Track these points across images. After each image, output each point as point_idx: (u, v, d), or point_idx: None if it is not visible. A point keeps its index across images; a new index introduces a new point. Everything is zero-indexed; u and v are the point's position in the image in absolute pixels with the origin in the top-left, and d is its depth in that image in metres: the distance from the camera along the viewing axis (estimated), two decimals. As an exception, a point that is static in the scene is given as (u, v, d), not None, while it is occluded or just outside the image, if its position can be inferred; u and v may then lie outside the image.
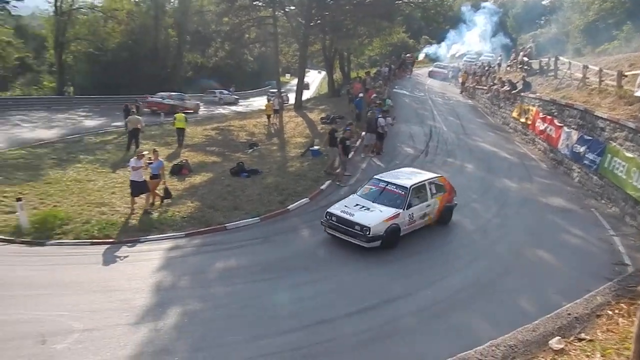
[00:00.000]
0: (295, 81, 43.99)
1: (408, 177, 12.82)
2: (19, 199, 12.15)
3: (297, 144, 22.13)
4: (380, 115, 19.92)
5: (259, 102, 45.49)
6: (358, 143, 20.75)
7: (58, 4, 42.67)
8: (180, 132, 22.66)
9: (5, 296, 8.44)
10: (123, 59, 45.74)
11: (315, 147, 19.91)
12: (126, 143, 21.34)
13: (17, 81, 47.08)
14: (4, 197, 13.97)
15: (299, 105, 32.95)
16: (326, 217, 11.56)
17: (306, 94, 45.17)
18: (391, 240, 11.19)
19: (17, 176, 16.32)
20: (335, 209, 11.65)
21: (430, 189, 12.47)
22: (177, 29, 51.52)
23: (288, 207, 14.11)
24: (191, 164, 18.47)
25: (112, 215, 13.12)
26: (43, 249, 11.27)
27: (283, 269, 10.30)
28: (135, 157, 13.59)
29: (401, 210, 11.42)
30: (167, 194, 14.26)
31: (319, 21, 31.24)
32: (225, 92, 47.95)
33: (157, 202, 14.08)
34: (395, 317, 8.55)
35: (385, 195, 11.97)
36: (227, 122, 30.21)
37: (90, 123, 29.31)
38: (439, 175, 13.69)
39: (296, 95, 34.07)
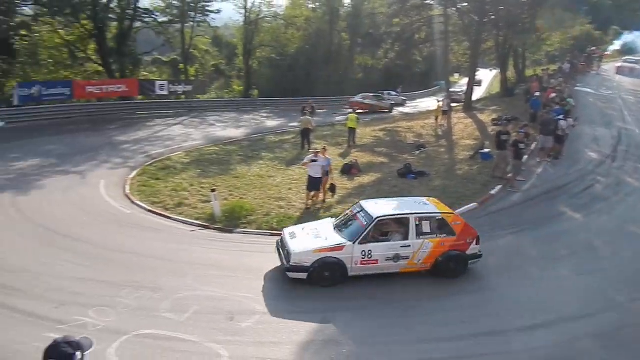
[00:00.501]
0: (464, 81, 42.69)
1: (393, 206, 10.41)
2: (213, 190, 13.78)
3: (465, 147, 21.54)
4: (560, 117, 18.46)
5: (427, 103, 45.05)
6: (533, 146, 19.47)
7: (247, 14, 46.96)
8: (352, 132, 23.58)
9: (201, 275, 9.61)
10: (300, 64, 48.83)
11: (486, 150, 19.15)
12: (300, 142, 22.82)
13: (213, 85, 53.02)
14: (202, 187, 16.03)
15: (469, 106, 31.89)
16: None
17: (477, 92, 43.58)
18: (324, 276, 9.19)
19: (211, 170, 18.57)
20: (288, 228, 10.54)
21: (418, 227, 9.64)
22: (350, 33, 53.31)
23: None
24: (360, 164, 19.05)
25: (289, 209, 14.16)
26: (231, 236, 12.58)
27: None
28: (313, 154, 14.43)
29: (349, 243, 9.29)
30: (332, 190, 14.90)
31: (492, 17, 29.89)
32: (393, 93, 48.31)
33: (329, 199, 14.81)
34: (572, 338, 7.82)
35: (352, 224, 9.99)
36: (394, 124, 30.48)
37: (271, 123, 31.90)
38: (449, 212, 10.40)
39: (466, 95, 33.03)
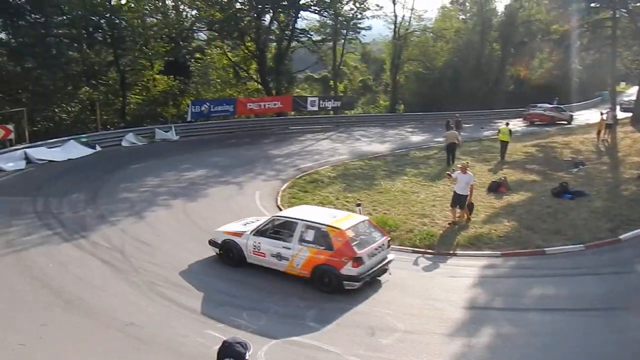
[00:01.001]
0: (632, 90, 38.46)
1: (299, 210, 11.46)
2: (358, 204, 14.16)
3: (633, 164, 19.53)
4: None
5: (586, 116, 41.25)
6: None
7: (397, 29, 47.49)
8: (504, 145, 22.79)
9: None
10: (448, 77, 47.94)
11: (659, 169, 17.06)
12: (445, 157, 22.46)
13: (360, 101, 54.36)
14: (347, 201, 16.55)
15: (639, 119, 28.61)
16: None
17: None
18: (228, 255, 10.88)
19: (356, 184, 19.09)
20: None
21: (303, 233, 9.94)
22: (502, 42, 51.05)
23: (620, 237, 12.51)
24: (509, 182, 18.16)
25: (432, 227, 14.01)
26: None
27: (609, 307, 9.21)
28: (460, 169, 14.18)
29: (247, 233, 10.61)
30: (470, 208, 14.44)
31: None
32: (548, 105, 45.10)
33: (469, 218, 14.41)
34: None
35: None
36: (548, 138, 28.48)
37: (415, 138, 31.74)
38: (336, 227, 9.73)
39: (635, 107, 29.70)
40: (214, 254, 11.23)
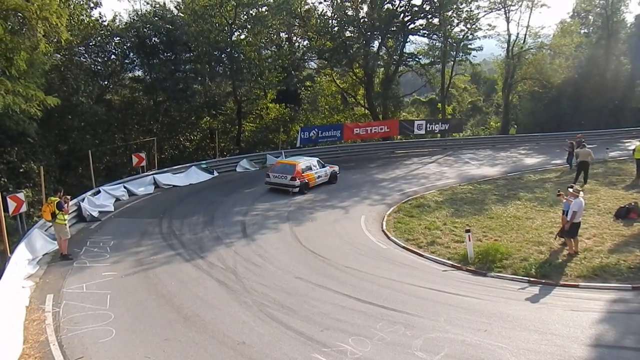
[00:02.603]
0: None
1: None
2: (467, 231, 13.64)
3: None
4: None
5: None
6: None
7: (510, 47, 45.74)
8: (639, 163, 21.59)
9: (454, 317, 9.57)
10: (567, 95, 44.96)
11: None
12: (575, 176, 21.83)
13: (469, 122, 52.84)
14: (454, 227, 16.13)
15: None
16: None
17: None
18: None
19: (464, 209, 18.52)
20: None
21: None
22: (631, 56, 46.94)
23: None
24: (641, 208, 16.49)
25: (549, 255, 13.12)
26: (484, 279, 12.29)
27: None
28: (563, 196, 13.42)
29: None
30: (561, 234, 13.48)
31: None
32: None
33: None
34: None
35: None
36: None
37: (530, 161, 30.05)
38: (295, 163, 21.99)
39: None
40: (321, 277, 11.43)
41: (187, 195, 21.56)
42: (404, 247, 15.01)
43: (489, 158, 31.71)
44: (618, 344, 8.56)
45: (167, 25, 29.22)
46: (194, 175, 24.64)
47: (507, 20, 44.59)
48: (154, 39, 29.50)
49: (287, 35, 40.37)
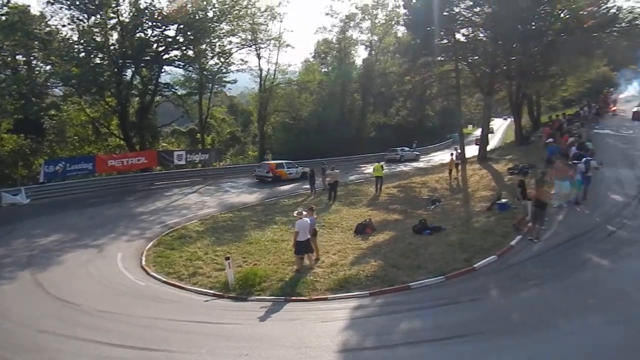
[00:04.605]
0: (478, 132, 42.87)
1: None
2: (227, 258, 13.73)
3: (482, 198, 21.28)
4: (579, 161, 18.24)
5: (441, 157, 45.14)
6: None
7: (262, 82, 48.61)
8: (379, 180, 26.57)
9: (216, 347, 9.37)
10: (313, 126, 49.94)
11: (503, 201, 18.86)
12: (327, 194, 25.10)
13: (229, 152, 54.17)
14: (216, 255, 16.10)
15: (483, 157, 31.83)
16: None
17: (491, 141, 43.44)
18: None
19: (225, 237, 18.69)
20: None
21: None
22: (362, 93, 54.54)
23: (474, 266, 13.42)
24: (374, 223, 18.93)
25: (303, 273, 13.99)
26: (246, 304, 12.41)
27: (471, 333, 9.62)
28: (306, 213, 14.62)
29: None
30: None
31: (504, 67, 30.24)
32: (407, 149, 48.69)
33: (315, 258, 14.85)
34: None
35: None
36: (408, 179, 30.50)
37: (284, 187, 32.10)
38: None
39: (480, 146, 33.05)
40: (72, 326, 10.13)
41: None
42: (165, 282, 14.36)
43: (248, 186, 32.88)
44: (360, 346, 9.46)
45: None
46: None
47: (259, 57, 47.76)
48: None
49: (24, 59, 35.87)
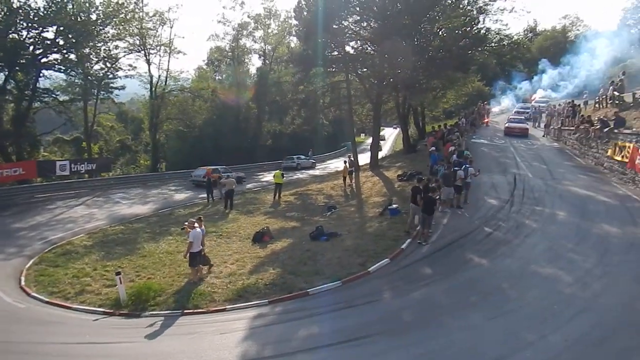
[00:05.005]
0: (370, 140, 44.62)
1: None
2: (118, 273, 13.05)
3: (374, 204, 22.15)
4: (458, 168, 19.61)
5: (336, 164, 46.38)
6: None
7: (153, 88, 46.83)
8: (278, 187, 27.22)
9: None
10: (208, 134, 49.04)
11: (394, 206, 19.79)
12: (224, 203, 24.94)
13: (119, 161, 51.47)
14: (106, 271, 15.23)
15: (375, 164, 33.15)
16: None
17: (383, 150, 45.38)
18: None
19: (116, 251, 17.74)
20: None
21: None
22: (257, 102, 54.52)
23: (369, 269, 13.96)
24: (272, 231, 19.01)
25: (200, 285, 13.68)
26: (139, 321, 11.88)
27: (367, 335, 10.02)
28: (197, 224, 14.33)
29: None
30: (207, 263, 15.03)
31: (391, 79, 31.76)
32: (303, 157, 49.38)
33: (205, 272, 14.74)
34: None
35: None
36: (305, 187, 30.97)
37: (179, 196, 31.18)
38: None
39: (371, 154, 34.38)
40: None
41: None
42: (48, 302, 13.30)
43: (141, 196, 31.49)
44: (259, 356, 9.47)
45: None
46: None
47: (148, 63, 46.08)
48: None
49: None
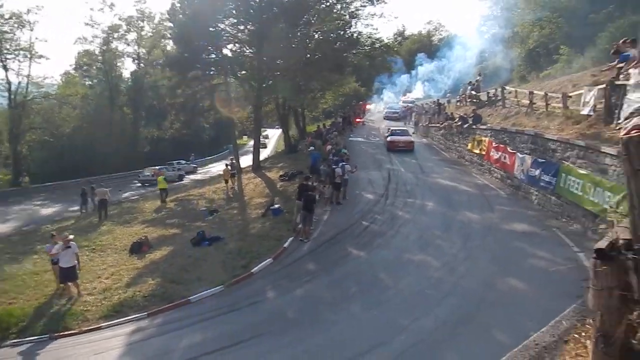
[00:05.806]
0: (252, 142, 44.36)
1: None
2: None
3: (257, 205, 21.95)
4: (337, 166, 19.96)
5: (218, 168, 45.44)
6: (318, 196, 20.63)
7: (12, 96, 42.65)
8: (163, 191, 27.25)
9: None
10: (79, 142, 45.68)
11: (276, 206, 19.71)
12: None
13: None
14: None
15: (257, 166, 32.87)
16: None
17: (266, 151, 45.27)
18: None
19: (-29, 277, 15.53)
20: None
21: None
22: (132, 106, 51.85)
23: (252, 271, 13.72)
24: (150, 240, 18.01)
25: (72, 305, 12.51)
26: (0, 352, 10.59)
27: (252, 336, 9.80)
28: (62, 242, 13.44)
29: None
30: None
31: (270, 82, 31.71)
32: (183, 162, 47.74)
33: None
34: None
35: None
36: (185, 192, 29.97)
37: (46, 211, 28.61)
38: None
39: (253, 156, 34.06)
40: None
41: None
42: None
43: (0, 214, 28.30)
44: (138, 373, 8.82)
45: None
46: None
47: (5, 69, 42.15)
48: None
49: None
